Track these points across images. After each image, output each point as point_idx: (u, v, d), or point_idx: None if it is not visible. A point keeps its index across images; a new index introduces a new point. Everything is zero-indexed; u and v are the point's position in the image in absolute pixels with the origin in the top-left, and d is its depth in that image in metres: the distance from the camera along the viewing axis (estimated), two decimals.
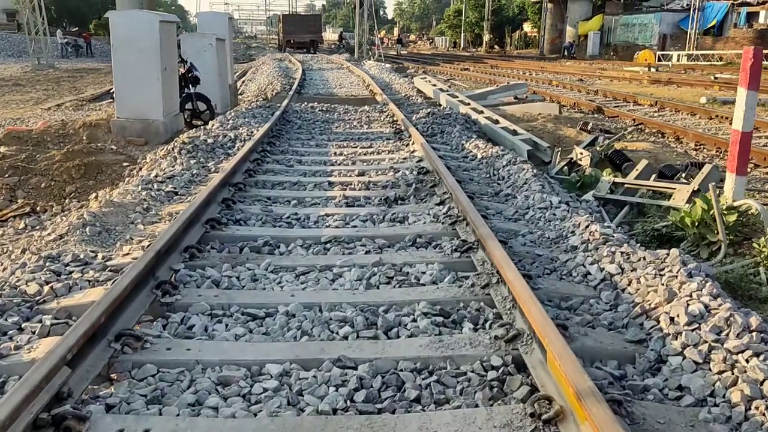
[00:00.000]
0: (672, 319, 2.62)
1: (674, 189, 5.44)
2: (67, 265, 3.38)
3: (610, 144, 7.09)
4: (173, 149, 6.26)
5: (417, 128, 7.93)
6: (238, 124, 7.75)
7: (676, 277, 2.93)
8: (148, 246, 3.38)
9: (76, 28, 47.92)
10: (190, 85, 9.70)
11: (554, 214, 4.27)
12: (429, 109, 9.29)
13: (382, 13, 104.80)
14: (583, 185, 6.48)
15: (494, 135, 8.41)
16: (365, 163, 6.41)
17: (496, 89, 12.51)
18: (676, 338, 2.51)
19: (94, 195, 5.66)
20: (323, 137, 8.02)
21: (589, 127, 9.08)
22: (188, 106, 9.79)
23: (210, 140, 6.77)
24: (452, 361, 2.51)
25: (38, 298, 3.00)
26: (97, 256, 3.53)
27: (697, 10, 33.72)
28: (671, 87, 18.04)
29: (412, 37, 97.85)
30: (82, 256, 3.48)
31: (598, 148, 6.98)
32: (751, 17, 35.75)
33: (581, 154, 6.87)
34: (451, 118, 8.45)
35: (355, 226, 4.30)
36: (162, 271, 3.24)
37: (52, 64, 22.87)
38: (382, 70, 20.74)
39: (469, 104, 10.49)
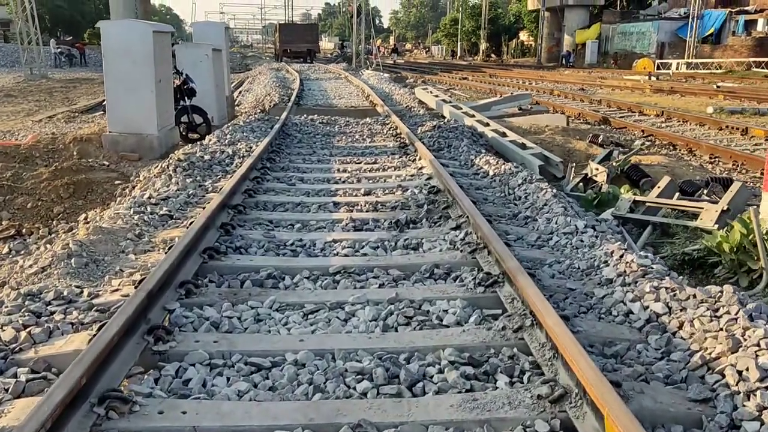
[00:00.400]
0: (740, 373, 2.29)
1: (701, 208, 5.12)
2: (49, 304, 3.03)
3: (627, 159, 6.78)
4: (168, 167, 5.91)
5: (423, 142, 7.61)
6: (236, 139, 7.41)
7: (736, 320, 2.60)
8: (140, 283, 3.03)
9: (70, 38, 47.66)
10: (186, 98, 9.37)
11: (581, 241, 3.94)
12: (434, 122, 8.98)
13: (377, 21, 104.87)
14: (601, 203, 6.16)
15: (503, 149, 8.10)
16: (371, 181, 6.08)
17: (499, 100, 12.23)
18: (749, 398, 2.17)
19: (83, 216, 5.31)
20: (325, 152, 7.70)
21: (599, 140, 8.78)
22: (184, 119, 9.46)
23: (207, 157, 6.43)
24: (490, 426, 2.17)
25: (14, 345, 2.65)
26: (82, 292, 3.18)
27: (696, 19, 33.62)
28: (675, 96, 17.81)
29: (408, 45, 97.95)
30: (65, 293, 3.13)
31: (614, 164, 6.67)
32: (749, 25, 35.71)
33: (597, 169, 6.56)
34: (457, 132, 8.14)
35: (365, 254, 3.96)
36: (154, 312, 2.89)
37: (45, 74, 22.54)
38: (381, 79, 20.48)
39: (473, 116, 10.18)
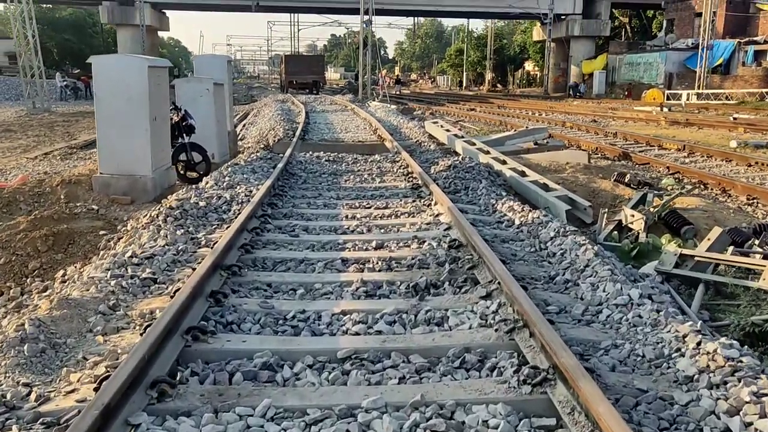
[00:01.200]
0: None
1: (763, 266, 4.46)
2: None
3: (666, 204, 6.15)
4: (158, 216, 5.32)
5: (438, 184, 7.02)
6: (235, 182, 6.84)
7: None
8: (101, 383, 2.41)
9: (78, 71, 47.90)
10: (185, 135, 8.85)
11: (639, 316, 3.29)
12: (448, 160, 8.39)
13: (383, 52, 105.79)
14: (640, 254, 5.53)
15: (524, 191, 7.50)
16: (382, 230, 5.47)
17: (514, 134, 11.69)
18: None
19: (61, 273, 4.71)
20: (331, 194, 7.11)
21: (626, 179, 8.16)
22: (182, 157, 8.92)
23: (202, 203, 5.84)
24: None
25: None
26: (30, 394, 2.56)
27: (706, 49, 33.32)
28: (692, 129, 17.25)
29: (414, 76, 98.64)
30: (8, 397, 2.51)
31: (651, 209, 6.03)
32: (759, 55, 35.38)
33: (632, 216, 5.93)
34: (474, 171, 7.54)
35: (380, 332, 3.32)
36: (113, 431, 2.25)
37: (48, 107, 22.27)
38: (388, 112, 20.06)
39: (488, 152, 9.61)
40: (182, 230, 5.09)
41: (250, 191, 6.47)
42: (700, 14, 41.76)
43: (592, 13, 46.84)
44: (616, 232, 5.95)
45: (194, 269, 3.91)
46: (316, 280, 4.13)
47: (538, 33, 51.52)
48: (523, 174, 8.10)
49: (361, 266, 4.42)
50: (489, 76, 62.81)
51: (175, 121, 8.88)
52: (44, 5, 54.71)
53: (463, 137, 11.23)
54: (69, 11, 57.23)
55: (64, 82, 33.79)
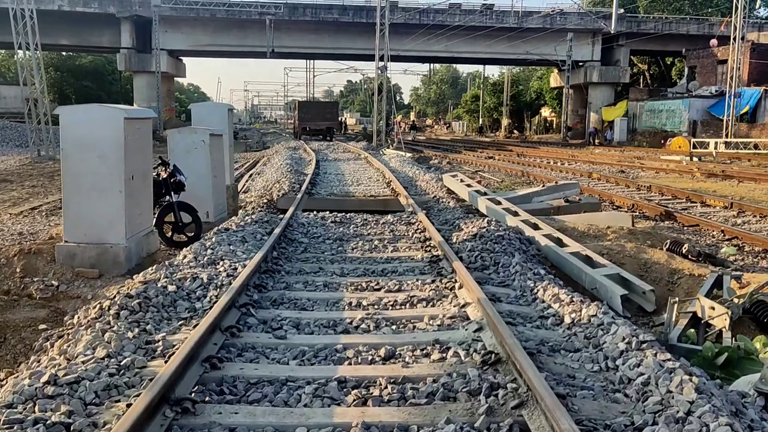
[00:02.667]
0: None
1: None
2: None
3: (754, 293, 4.89)
4: (109, 309, 4.19)
5: (461, 258, 5.86)
6: (218, 255, 5.71)
7: None
8: None
9: None
10: (173, 193, 7.82)
11: None
12: (472, 225, 7.23)
13: (398, 98, 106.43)
14: (727, 362, 4.26)
15: (564, 265, 6.29)
16: (394, 328, 4.29)
17: (541, 190, 10.55)
18: None
19: None
20: (334, 268, 5.96)
21: (684, 250, 6.93)
22: (169, 218, 7.88)
23: (172, 287, 4.71)
24: None
25: None
26: None
27: (734, 97, 32.26)
28: (731, 182, 16.00)
29: (429, 121, 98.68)
30: None
31: (736, 300, 4.78)
32: None
33: (712, 309, 4.68)
34: (504, 242, 6.36)
35: None
36: None
37: (53, 155, 21.65)
38: (403, 161, 19.09)
39: (516, 213, 8.46)
40: (137, 329, 3.94)
41: (235, 268, 5.34)
42: (722, 62, 41.11)
43: (611, 60, 46.33)
44: (692, 330, 4.69)
45: (131, 405, 2.76)
46: (298, 423, 2.93)
47: (555, 79, 51.01)
48: (560, 243, 6.90)
49: (363, 395, 3.22)
50: (505, 122, 62.26)
51: (163, 178, 7.88)
52: (65, 53, 55.69)
53: (485, 193, 10.10)
54: (89, 59, 58.11)
55: None
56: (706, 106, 37.93)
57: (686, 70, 44.66)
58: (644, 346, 3.58)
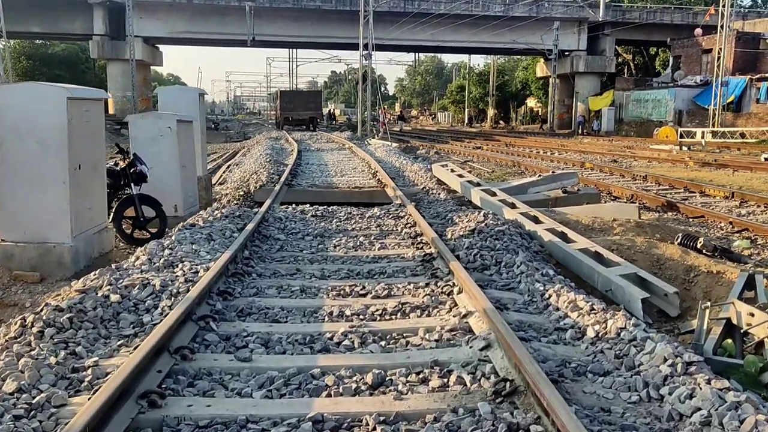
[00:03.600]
0: None
1: None
2: None
3: None
4: (32, 325, 3.41)
5: (458, 256, 5.14)
6: (177, 256, 4.93)
7: None
8: None
9: None
10: (133, 185, 7.01)
11: None
12: (467, 219, 6.51)
13: (383, 89, 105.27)
14: None
15: (572, 264, 5.61)
16: (383, 344, 3.57)
17: (538, 180, 9.87)
18: None
19: None
20: (314, 269, 5.21)
21: (700, 244, 6.28)
22: (129, 212, 7.07)
23: (115, 297, 3.93)
24: None
25: None
26: None
27: (720, 86, 31.92)
28: (726, 171, 15.48)
29: (414, 112, 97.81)
30: None
31: None
32: None
33: (752, 316, 4.01)
34: (505, 238, 5.65)
35: None
36: None
37: None
38: (389, 151, 18.32)
39: (513, 205, 7.76)
40: (64, 352, 3.18)
41: (196, 271, 4.56)
42: (707, 51, 40.81)
43: (597, 50, 45.85)
44: (729, 340, 4.03)
45: None
46: None
47: (541, 69, 50.42)
48: (564, 237, 6.22)
49: None
50: (491, 112, 61.62)
51: (121, 168, 7.06)
52: (37, 41, 53.88)
53: (478, 184, 9.40)
54: (62, 47, 56.30)
55: None
56: (691, 96, 37.62)
57: (671, 59, 44.33)
58: (692, 369, 2.89)
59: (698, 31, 39.23)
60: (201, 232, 5.70)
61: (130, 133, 8.12)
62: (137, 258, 4.85)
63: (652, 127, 37.46)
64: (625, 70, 55.83)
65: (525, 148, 24.45)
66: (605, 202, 10.03)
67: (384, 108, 45.32)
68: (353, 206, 8.33)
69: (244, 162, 16.41)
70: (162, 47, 47.52)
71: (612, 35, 45.43)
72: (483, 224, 5.94)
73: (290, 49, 67.55)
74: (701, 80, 38.00)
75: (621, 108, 42.26)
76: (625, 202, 9.88)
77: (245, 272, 4.98)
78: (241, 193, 10.40)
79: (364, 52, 31.30)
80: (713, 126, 31.49)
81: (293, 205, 8.16)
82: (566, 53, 44.99)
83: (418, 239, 6.24)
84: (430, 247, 5.71)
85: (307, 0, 41.62)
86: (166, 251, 4.94)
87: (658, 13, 45.50)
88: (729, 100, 35.30)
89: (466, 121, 63.90)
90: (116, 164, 7.29)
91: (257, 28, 40.87)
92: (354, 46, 36.44)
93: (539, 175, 10.13)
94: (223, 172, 15.13)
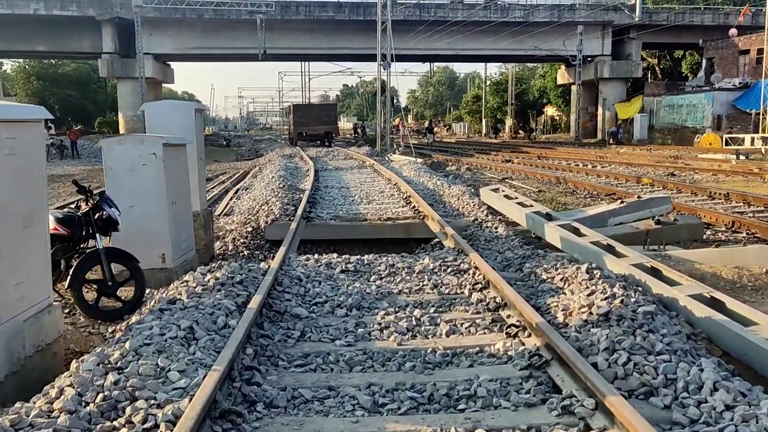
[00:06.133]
0: None
1: None
2: None
3: None
4: None
5: (595, 365, 3.12)
6: (130, 386, 2.92)
7: None
8: None
9: (80, 127, 45.34)
10: (98, 235, 5.09)
11: None
12: (586, 293, 4.47)
13: (396, 101, 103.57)
14: None
15: (756, 360, 3.55)
16: None
17: (620, 208, 7.82)
18: None
19: None
20: (356, 387, 3.21)
21: None
22: (93, 274, 5.16)
23: None
24: None
25: None
26: None
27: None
28: None
29: (426, 123, 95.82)
30: None
31: None
32: None
33: None
34: (662, 327, 3.59)
35: None
36: None
37: None
38: (417, 169, 16.33)
39: (612, 249, 5.72)
40: None
41: (155, 426, 2.57)
42: (744, 52, 38.47)
43: (622, 54, 43.69)
44: None
45: None
46: None
47: (562, 76, 48.25)
48: (722, 309, 4.16)
49: None
50: (510, 122, 59.46)
51: (83, 213, 5.15)
52: (46, 60, 52.97)
53: (549, 215, 7.36)
54: (73, 66, 55.35)
55: (50, 141, 30.18)
56: (730, 100, 35.23)
57: (703, 62, 41.99)
58: None
59: (733, 31, 36.90)
60: (180, 321, 3.70)
61: (105, 162, 6.24)
62: (58, 391, 2.84)
63: (687, 134, 35.17)
64: (650, 76, 53.52)
65: (560, 161, 22.33)
66: (718, 241, 7.92)
67: (397, 119, 43.34)
68: (389, 243, 6.35)
69: (255, 185, 14.51)
70: (174, 64, 46.25)
71: (638, 38, 43.26)
72: (620, 302, 3.84)
73: (302, 62, 66.20)
74: (740, 82, 35.65)
75: (651, 114, 39.97)
76: (743, 239, 7.74)
77: (246, 399, 3.00)
78: (249, 229, 8.48)
79: (382, 62, 29.45)
80: (763, 131, 29.07)
81: (315, 253, 6.19)
82: (589, 59, 42.85)
83: (501, 314, 4.23)
84: (529, 335, 3.70)
85: (319, 11, 40.07)
86: (110, 376, 2.91)
87: (687, 15, 43.24)
88: None
89: (485, 131, 61.72)
90: (77, 207, 5.40)
91: (269, 42, 39.34)
92: (368, 57, 34.76)
93: (622, 201, 8.07)
94: (230, 199, 13.23)
